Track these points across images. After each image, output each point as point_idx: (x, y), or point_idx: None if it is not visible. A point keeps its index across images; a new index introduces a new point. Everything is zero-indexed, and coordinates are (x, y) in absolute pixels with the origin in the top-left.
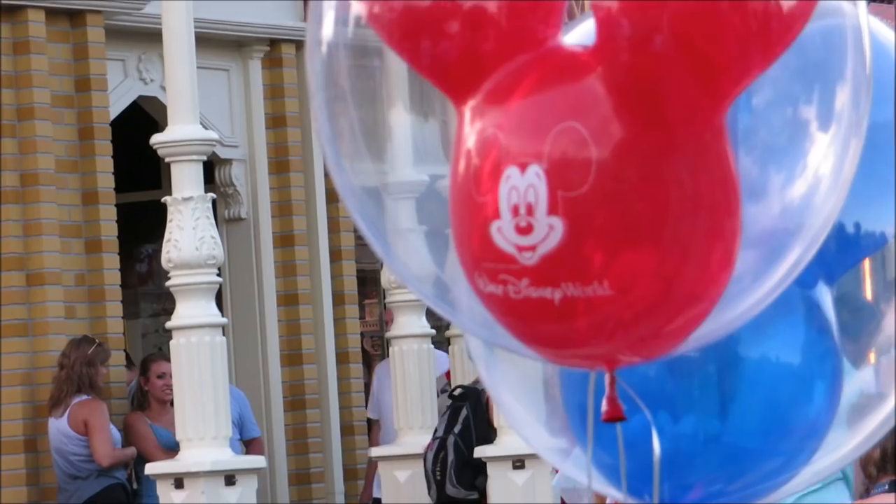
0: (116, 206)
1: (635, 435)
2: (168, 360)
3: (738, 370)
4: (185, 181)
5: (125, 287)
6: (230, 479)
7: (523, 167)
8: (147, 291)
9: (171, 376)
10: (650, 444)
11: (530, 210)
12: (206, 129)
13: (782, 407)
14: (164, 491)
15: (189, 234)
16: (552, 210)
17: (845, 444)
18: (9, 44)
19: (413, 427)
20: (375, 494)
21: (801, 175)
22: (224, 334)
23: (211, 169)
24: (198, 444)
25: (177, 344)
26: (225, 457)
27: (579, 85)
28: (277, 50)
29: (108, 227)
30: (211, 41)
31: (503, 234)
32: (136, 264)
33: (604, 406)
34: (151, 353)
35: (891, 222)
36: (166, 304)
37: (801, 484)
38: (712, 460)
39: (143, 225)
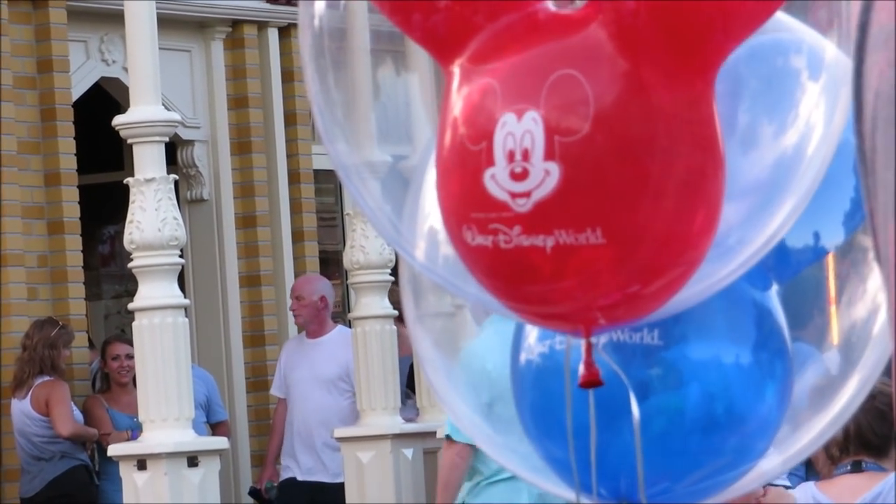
0: (79, 187)
1: (579, 430)
2: (124, 341)
3: (687, 370)
4: (148, 162)
5: (87, 268)
6: (193, 460)
7: (520, 113)
8: (109, 273)
9: (126, 358)
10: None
11: (526, 155)
12: (168, 110)
13: (732, 407)
14: (127, 472)
15: (151, 216)
16: (548, 155)
17: (812, 427)
18: None
19: (376, 408)
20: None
21: (793, 124)
22: (186, 315)
23: (173, 150)
24: (160, 426)
25: (139, 325)
26: (187, 438)
27: (578, 34)
28: (239, 31)
29: (71, 209)
30: (173, 22)
31: (497, 180)
32: (98, 246)
33: (581, 371)
34: (112, 334)
35: (839, 231)
36: (129, 285)
37: (751, 482)
38: (659, 459)
39: (105, 206)
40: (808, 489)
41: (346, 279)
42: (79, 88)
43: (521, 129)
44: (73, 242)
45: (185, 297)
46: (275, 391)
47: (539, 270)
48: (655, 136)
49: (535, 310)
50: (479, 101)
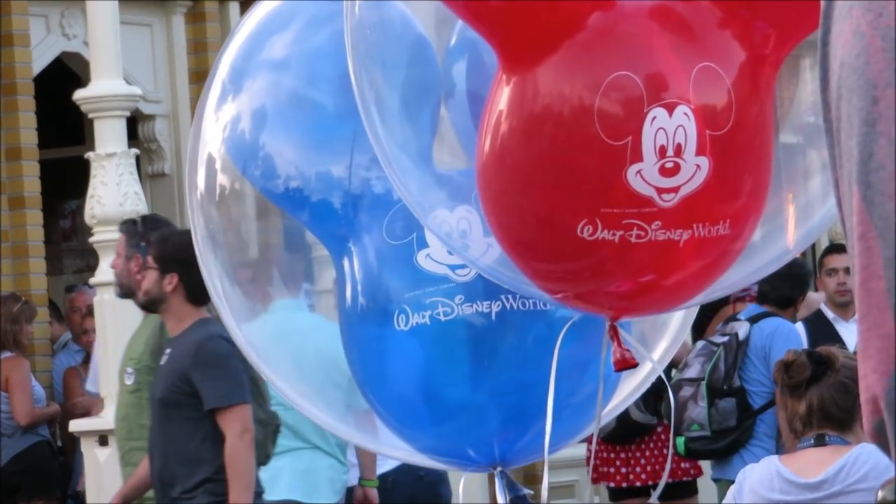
0: (39, 162)
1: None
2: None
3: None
4: (109, 137)
5: (49, 243)
6: None
7: (671, 108)
8: (71, 248)
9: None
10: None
11: (679, 150)
12: (129, 84)
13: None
14: (88, 448)
15: (113, 190)
16: (700, 150)
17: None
18: None
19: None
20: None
21: None
22: None
23: (134, 124)
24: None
25: (100, 300)
26: None
27: (697, 23)
28: (200, 5)
29: (32, 184)
30: None
31: (643, 176)
32: (59, 220)
33: (617, 355)
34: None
35: None
36: (90, 260)
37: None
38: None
39: (66, 181)
40: (770, 462)
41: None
42: (39, 63)
43: (673, 123)
44: (34, 217)
45: None
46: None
47: (665, 264)
48: (770, 125)
49: (592, 287)
50: (619, 95)
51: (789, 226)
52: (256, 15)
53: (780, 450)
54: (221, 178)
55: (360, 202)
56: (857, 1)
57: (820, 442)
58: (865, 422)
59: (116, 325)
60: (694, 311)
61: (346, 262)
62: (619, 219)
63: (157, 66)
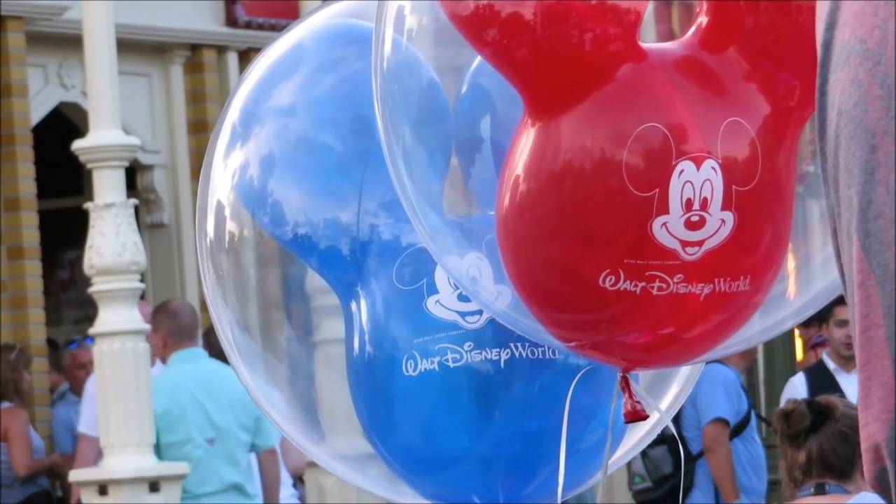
0: (38, 212)
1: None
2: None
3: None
4: (107, 187)
5: (47, 294)
6: (154, 485)
7: (699, 162)
8: (69, 298)
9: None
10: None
11: (705, 205)
12: (127, 134)
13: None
14: (88, 497)
15: (111, 241)
16: (726, 205)
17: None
18: None
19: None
20: None
21: None
22: (147, 340)
23: (133, 175)
24: (121, 451)
25: (100, 350)
26: (148, 464)
27: (723, 72)
28: (199, 55)
29: (30, 234)
30: (132, 46)
31: (669, 229)
32: (58, 271)
33: (628, 407)
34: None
35: None
36: (89, 310)
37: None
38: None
39: (65, 231)
40: None
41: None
42: (38, 113)
43: (700, 177)
44: (33, 268)
45: (144, 321)
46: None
47: (684, 317)
48: (792, 180)
49: (613, 339)
50: (647, 147)
51: (790, 280)
52: (263, 62)
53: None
54: (231, 225)
55: (368, 248)
56: (855, 49)
57: (820, 491)
58: (867, 470)
59: (116, 375)
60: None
61: (354, 308)
62: (643, 270)
63: (155, 117)
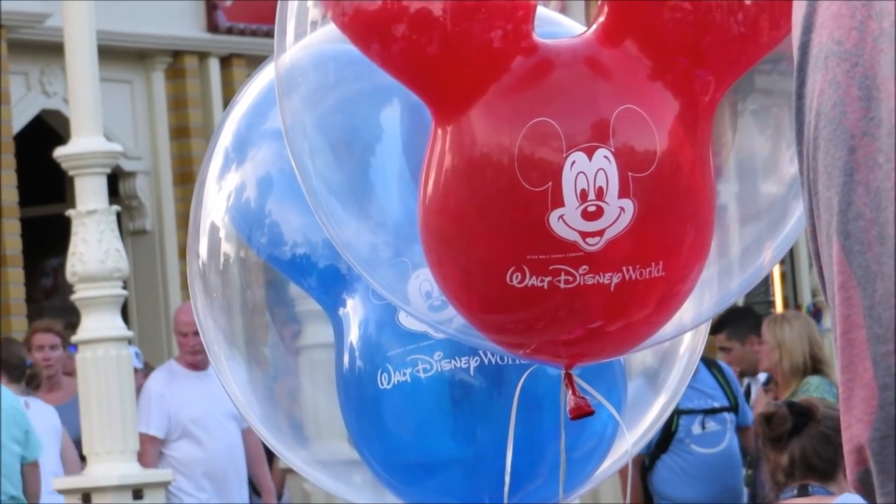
0: (21, 220)
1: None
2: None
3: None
4: (90, 194)
5: (30, 301)
6: (138, 493)
7: (590, 152)
8: (53, 305)
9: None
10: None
11: (601, 194)
12: (109, 141)
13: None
14: None
15: (94, 248)
16: (623, 193)
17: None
18: None
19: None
20: None
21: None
22: (130, 348)
23: (115, 181)
24: (105, 459)
25: (83, 358)
26: (133, 471)
27: (620, 63)
28: (180, 61)
29: (13, 241)
30: (113, 53)
31: (566, 221)
32: (41, 278)
33: (571, 403)
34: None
35: None
36: (72, 318)
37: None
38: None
39: (47, 239)
40: None
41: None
42: (20, 121)
43: (593, 167)
44: (16, 275)
45: (128, 328)
46: (154, 430)
47: (597, 308)
48: (707, 169)
49: (538, 338)
50: (537, 141)
51: (764, 272)
52: (257, 84)
53: None
54: (225, 247)
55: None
56: (833, 51)
57: (803, 492)
58: (849, 472)
59: (99, 382)
60: (701, 335)
61: (340, 325)
62: (546, 265)
63: (137, 123)
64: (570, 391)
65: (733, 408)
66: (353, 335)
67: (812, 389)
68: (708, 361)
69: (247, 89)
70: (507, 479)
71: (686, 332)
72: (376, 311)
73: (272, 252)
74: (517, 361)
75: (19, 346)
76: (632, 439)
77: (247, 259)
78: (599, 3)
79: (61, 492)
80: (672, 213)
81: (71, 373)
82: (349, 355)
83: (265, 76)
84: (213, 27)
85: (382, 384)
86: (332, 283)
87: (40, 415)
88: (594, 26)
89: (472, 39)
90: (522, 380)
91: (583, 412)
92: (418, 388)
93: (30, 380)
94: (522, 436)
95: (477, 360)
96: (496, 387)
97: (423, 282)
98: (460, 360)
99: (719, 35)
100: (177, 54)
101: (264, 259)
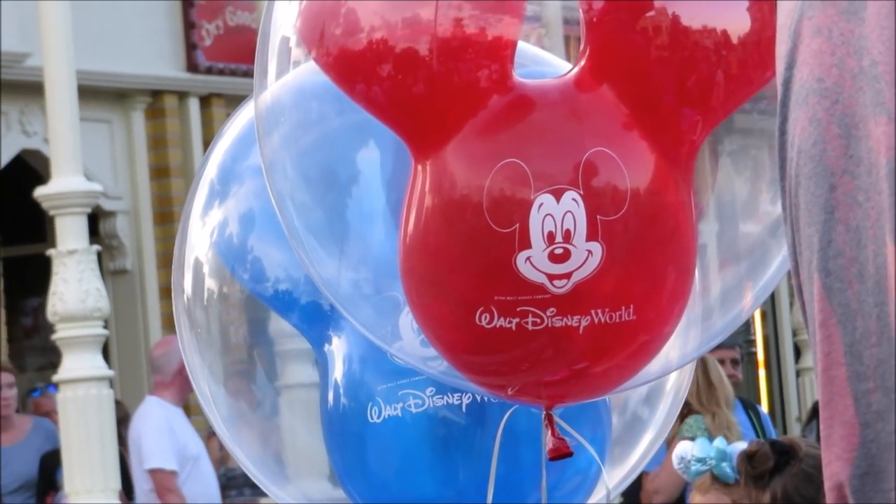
0: (1, 259)
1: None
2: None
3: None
4: (70, 234)
5: (11, 341)
6: None
7: (558, 194)
8: (33, 345)
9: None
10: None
11: (568, 237)
12: (89, 181)
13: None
14: None
15: (74, 287)
16: (591, 236)
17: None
18: None
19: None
20: None
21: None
22: (111, 387)
23: (95, 221)
24: (86, 497)
25: (63, 397)
26: None
27: (595, 107)
28: (160, 101)
29: None
30: (93, 93)
31: (533, 263)
32: (21, 318)
33: (550, 444)
34: None
35: None
36: (52, 357)
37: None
38: None
39: (28, 278)
40: None
41: None
42: None
43: (560, 209)
44: None
45: (109, 368)
46: (175, 465)
47: (568, 350)
48: (687, 210)
49: (512, 381)
50: (506, 182)
51: (745, 313)
52: (241, 120)
53: None
54: (209, 282)
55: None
56: (813, 88)
57: None
58: None
59: (80, 421)
60: (687, 373)
61: (325, 357)
62: (514, 306)
63: (117, 163)
64: (550, 432)
65: None
66: (340, 369)
67: (686, 429)
68: (746, 403)
69: (230, 125)
70: None
71: (672, 371)
72: (367, 345)
73: (254, 287)
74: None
75: None
76: (619, 475)
77: (230, 295)
78: (583, 45)
79: None
80: (645, 256)
81: (39, 412)
82: (335, 390)
83: (248, 112)
84: (192, 67)
85: (372, 418)
86: (314, 319)
87: None
88: (575, 68)
89: (457, 79)
90: (505, 418)
91: (561, 454)
92: (409, 423)
93: None
94: (503, 475)
95: (469, 397)
96: (484, 424)
97: (413, 319)
98: (452, 397)
99: (707, 74)
100: (156, 94)
101: (249, 292)
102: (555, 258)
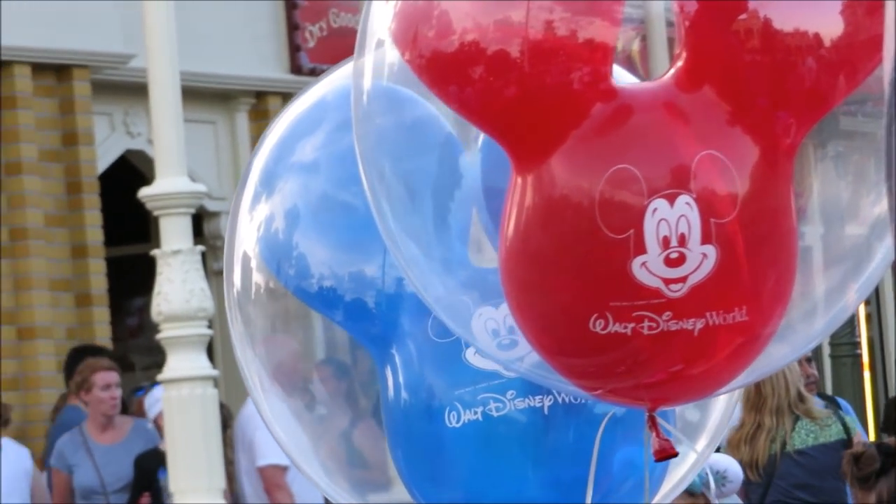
0: (106, 259)
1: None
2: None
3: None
4: (174, 234)
5: (116, 340)
6: None
7: (672, 198)
8: (138, 345)
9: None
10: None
11: (683, 241)
12: (193, 181)
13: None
14: None
15: (179, 287)
16: (705, 239)
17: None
18: None
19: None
20: None
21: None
22: (216, 386)
23: (199, 221)
24: (191, 496)
25: (168, 397)
26: None
27: (696, 108)
28: (264, 102)
29: (98, 281)
30: (197, 94)
31: (648, 268)
32: (126, 318)
33: (656, 445)
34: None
35: None
36: (158, 357)
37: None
38: None
39: (132, 278)
40: None
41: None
42: (104, 161)
43: (674, 214)
44: (102, 315)
45: (213, 367)
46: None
47: (681, 353)
48: (789, 212)
49: (619, 383)
50: (618, 188)
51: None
52: (286, 118)
53: None
54: (257, 277)
55: (394, 301)
56: None
57: None
58: None
59: (184, 421)
60: (735, 393)
61: (390, 362)
62: (629, 311)
63: (221, 164)
64: (654, 433)
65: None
66: (408, 373)
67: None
68: (827, 399)
69: (278, 121)
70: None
71: (772, 373)
72: (439, 350)
73: (299, 284)
74: (590, 401)
75: None
76: (669, 483)
77: (276, 289)
78: (678, 47)
79: None
80: (755, 258)
81: (141, 411)
82: (403, 394)
83: (295, 109)
84: (296, 68)
85: (451, 423)
86: (359, 318)
87: (13, 455)
88: (672, 70)
89: (549, 82)
90: (605, 420)
91: (667, 454)
92: (491, 427)
93: None
94: (579, 476)
95: (551, 399)
96: (568, 427)
97: (487, 320)
98: (534, 399)
99: (800, 77)
100: (260, 95)
101: (292, 291)
102: (670, 262)
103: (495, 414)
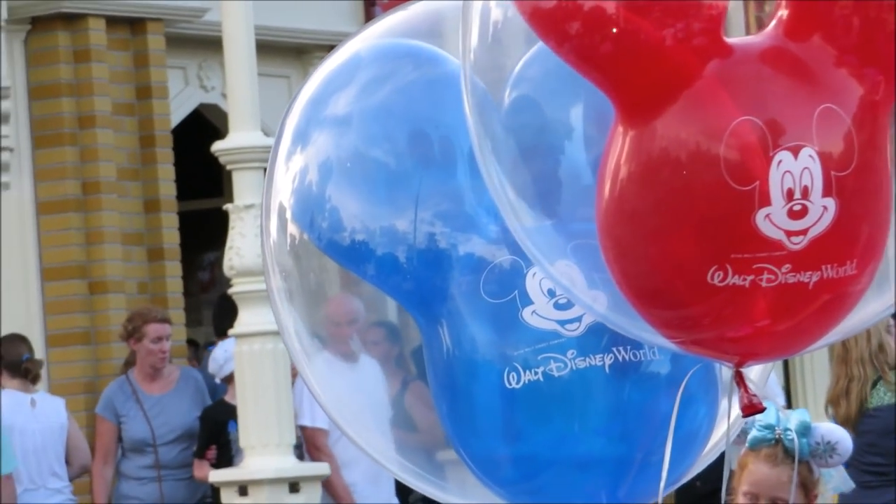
0: (178, 213)
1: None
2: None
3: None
4: (247, 188)
5: (188, 295)
6: (294, 486)
7: (796, 151)
8: (209, 299)
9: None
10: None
11: (806, 193)
12: (267, 136)
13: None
14: (228, 498)
15: (251, 242)
16: (827, 192)
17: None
18: (69, 52)
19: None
20: None
21: None
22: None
23: None
24: (261, 452)
25: (240, 351)
26: (289, 464)
27: (810, 58)
28: None
29: (170, 235)
30: (271, 48)
31: (772, 220)
32: (198, 272)
33: (745, 401)
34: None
35: None
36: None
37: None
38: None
39: (204, 233)
40: None
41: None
42: (177, 115)
43: (799, 166)
44: (173, 269)
45: None
46: (324, 423)
47: (794, 306)
48: (889, 169)
49: (714, 334)
50: (744, 140)
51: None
52: (320, 73)
53: None
54: (292, 228)
55: (425, 257)
56: None
57: None
58: None
59: (256, 376)
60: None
61: (438, 324)
62: (750, 263)
63: None
64: (743, 389)
65: None
66: (465, 335)
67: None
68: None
69: (314, 75)
70: (664, 474)
71: (861, 330)
72: (494, 311)
73: (332, 238)
74: (651, 357)
75: (19, 342)
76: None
77: (310, 242)
78: (776, 1)
79: (218, 484)
80: (867, 212)
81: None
82: (459, 353)
83: (330, 63)
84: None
85: (511, 384)
86: (390, 272)
87: (50, 409)
88: (775, 21)
89: (647, 38)
90: (687, 377)
91: (755, 409)
92: (552, 387)
93: (25, 374)
94: (631, 431)
95: (612, 358)
96: (630, 384)
97: (542, 280)
98: (594, 358)
99: (888, 34)
100: (333, 49)
101: (323, 248)
102: (793, 215)
103: (556, 374)
